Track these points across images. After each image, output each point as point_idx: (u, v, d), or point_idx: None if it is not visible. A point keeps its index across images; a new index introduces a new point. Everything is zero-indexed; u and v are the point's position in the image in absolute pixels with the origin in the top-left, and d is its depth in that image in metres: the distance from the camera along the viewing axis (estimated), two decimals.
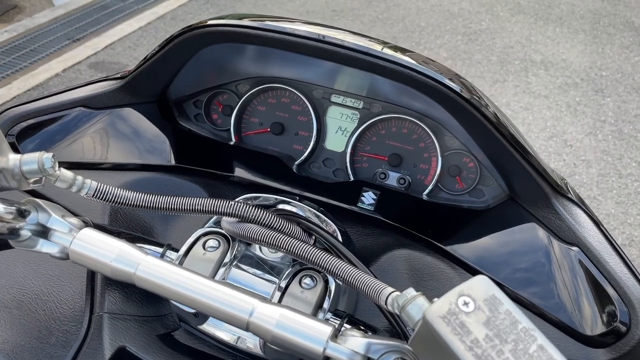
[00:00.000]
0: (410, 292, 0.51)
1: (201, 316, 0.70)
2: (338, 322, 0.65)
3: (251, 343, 0.70)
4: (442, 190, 0.97)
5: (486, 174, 0.94)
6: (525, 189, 0.84)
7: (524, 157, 0.80)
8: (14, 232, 0.62)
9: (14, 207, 0.62)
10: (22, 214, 0.63)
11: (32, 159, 0.59)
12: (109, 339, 0.70)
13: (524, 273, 0.78)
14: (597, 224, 0.81)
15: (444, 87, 0.78)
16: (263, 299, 0.60)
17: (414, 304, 0.49)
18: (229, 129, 1.05)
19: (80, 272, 0.80)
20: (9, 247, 0.65)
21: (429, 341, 0.42)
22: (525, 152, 0.80)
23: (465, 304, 0.42)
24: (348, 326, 0.66)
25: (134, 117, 0.98)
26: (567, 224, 0.79)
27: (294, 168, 0.99)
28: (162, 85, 1.00)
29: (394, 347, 0.54)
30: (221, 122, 1.08)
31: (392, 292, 0.54)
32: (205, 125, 1.07)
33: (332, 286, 0.69)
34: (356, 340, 0.56)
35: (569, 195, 0.83)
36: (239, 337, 0.70)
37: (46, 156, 0.60)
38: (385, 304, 0.54)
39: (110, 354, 0.69)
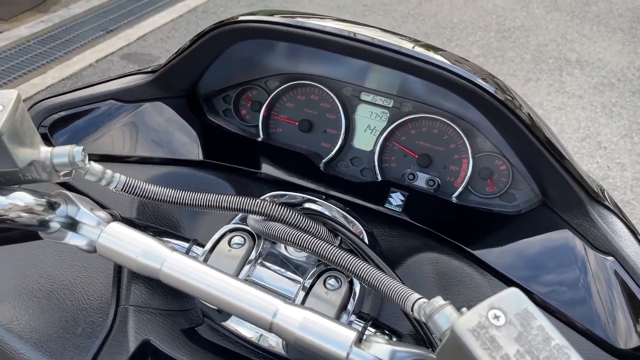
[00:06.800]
0: (438, 300, 0.49)
1: (224, 313, 0.70)
2: (362, 325, 0.64)
3: (273, 342, 0.69)
4: (472, 193, 0.95)
5: (518, 178, 0.91)
6: (560, 194, 0.81)
7: (559, 161, 0.78)
8: (44, 224, 0.63)
9: (44, 199, 0.62)
10: (52, 206, 0.63)
11: (63, 152, 0.60)
12: (134, 331, 0.71)
13: (555, 282, 0.76)
14: (635, 233, 0.78)
15: (477, 88, 0.76)
16: (287, 300, 0.60)
17: (441, 314, 0.48)
18: (257, 125, 1.04)
19: (108, 264, 0.81)
20: (38, 238, 0.66)
21: (457, 354, 0.41)
22: (561, 157, 0.78)
23: (496, 317, 0.40)
24: (372, 330, 0.65)
25: (164, 111, 0.98)
26: (602, 233, 0.77)
27: (321, 166, 0.98)
28: (192, 80, 1.00)
29: (419, 356, 0.53)
30: (250, 118, 1.07)
31: (419, 298, 0.53)
32: (233, 120, 1.07)
33: (357, 288, 0.67)
34: (380, 347, 0.55)
35: (606, 203, 0.80)
36: (261, 335, 0.70)
37: (77, 149, 0.60)
38: (412, 311, 0.52)
39: (134, 346, 0.69)
